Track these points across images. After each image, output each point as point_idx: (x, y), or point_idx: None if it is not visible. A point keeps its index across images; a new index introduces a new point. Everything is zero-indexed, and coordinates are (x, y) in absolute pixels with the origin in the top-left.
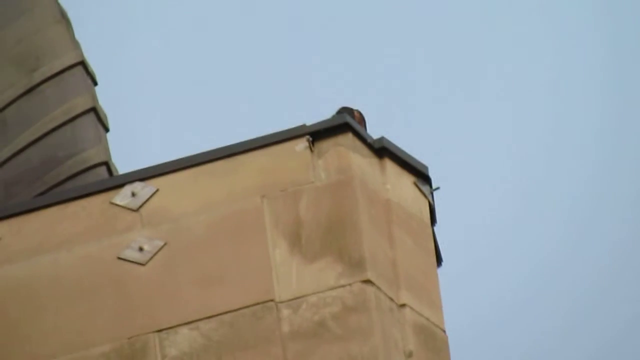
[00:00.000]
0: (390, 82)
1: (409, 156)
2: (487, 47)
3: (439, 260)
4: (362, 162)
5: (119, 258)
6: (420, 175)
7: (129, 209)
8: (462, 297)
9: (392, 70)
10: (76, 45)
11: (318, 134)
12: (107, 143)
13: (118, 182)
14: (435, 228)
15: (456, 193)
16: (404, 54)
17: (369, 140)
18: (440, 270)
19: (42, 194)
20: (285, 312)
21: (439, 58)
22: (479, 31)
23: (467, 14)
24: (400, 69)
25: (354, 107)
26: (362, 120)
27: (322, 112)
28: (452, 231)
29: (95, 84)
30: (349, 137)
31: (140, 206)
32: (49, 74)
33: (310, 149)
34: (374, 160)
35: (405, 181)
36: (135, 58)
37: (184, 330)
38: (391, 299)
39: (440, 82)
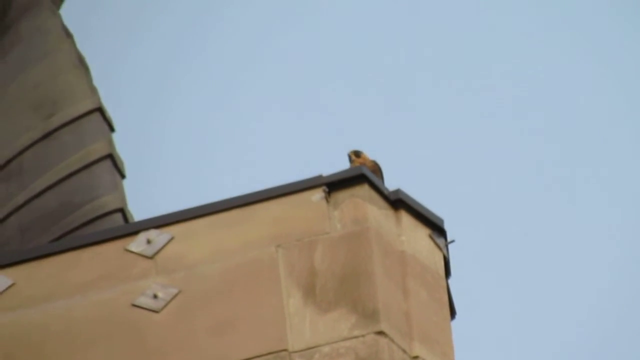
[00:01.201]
0: (409, 132)
1: (425, 208)
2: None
3: (452, 312)
4: (377, 213)
5: (134, 305)
6: (436, 227)
7: (144, 256)
8: (476, 350)
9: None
10: (94, 91)
11: (334, 185)
12: (123, 190)
13: (133, 229)
14: (449, 281)
15: (472, 245)
16: (422, 103)
17: (385, 192)
18: (453, 323)
19: (57, 239)
20: None
21: (456, 108)
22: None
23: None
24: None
25: (371, 157)
26: (378, 170)
27: (337, 162)
28: (467, 284)
29: (113, 130)
30: (365, 189)
31: (155, 253)
32: (66, 120)
33: (327, 199)
34: (389, 212)
35: (420, 233)
36: (154, 106)
37: None
38: (404, 351)
39: (458, 135)
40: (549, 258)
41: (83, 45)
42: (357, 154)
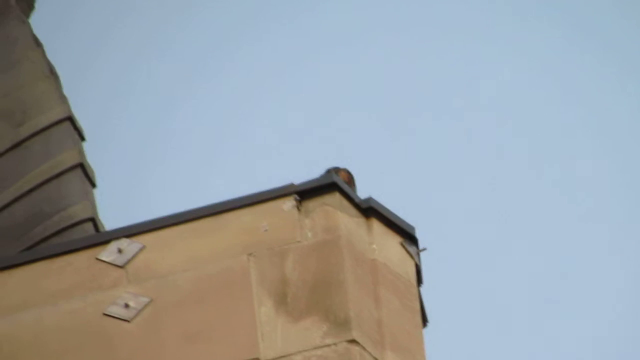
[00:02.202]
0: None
1: (396, 216)
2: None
3: (424, 320)
4: (349, 221)
5: (105, 314)
6: (407, 235)
7: (115, 265)
8: (448, 358)
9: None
10: (64, 100)
11: (305, 193)
12: (94, 199)
13: (104, 239)
14: (421, 288)
15: (444, 254)
16: (394, 111)
17: (356, 200)
18: (425, 331)
19: (27, 249)
20: None
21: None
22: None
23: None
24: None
25: (343, 167)
26: (350, 180)
27: (310, 171)
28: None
29: (83, 139)
30: (336, 197)
31: (127, 263)
32: (36, 129)
33: (298, 208)
34: (361, 220)
35: (391, 241)
36: (123, 114)
37: None
38: (376, 359)
39: (430, 143)
40: (521, 265)
41: (52, 53)
42: (336, 170)
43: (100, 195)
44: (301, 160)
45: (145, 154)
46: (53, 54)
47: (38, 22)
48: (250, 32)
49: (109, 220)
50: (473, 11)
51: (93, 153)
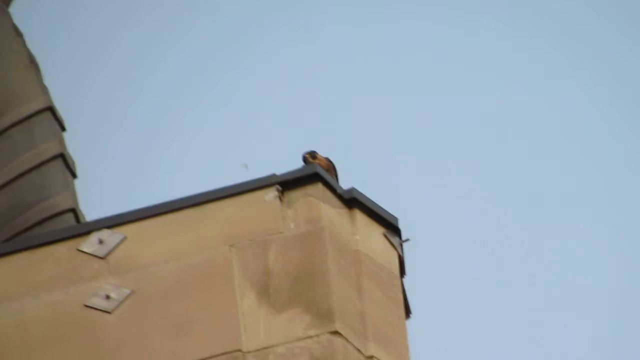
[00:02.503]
0: (364, 129)
1: (379, 207)
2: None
3: (407, 312)
4: (331, 212)
5: (86, 306)
6: (390, 226)
7: (96, 256)
8: (431, 350)
9: (366, 118)
10: (45, 90)
11: (288, 184)
12: (74, 189)
13: (85, 229)
14: (404, 280)
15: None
16: (377, 103)
17: (339, 191)
18: (409, 323)
19: (8, 240)
20: None
21: (414, 108)
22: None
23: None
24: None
25: (325, 154)
26: (332, 169)
27: (292, 160)
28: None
29: (64, 129)
30: (318, 188)
31: (108, 254)
32: (16, 119)
33: (280, 198)
34: (343, 211)
35: (374, 232)
36: (104, 103)
37: None
38: (359, 351)
39: (415, 132)
40: (505, 256)
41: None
42: (312, 155)
43: (81, 185)
44: (283, 150)
45: (128, 144)
46: (33, 45)
47: (16, 10)
48: (249, 33)
49: (90, 211)
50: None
51: (73, 143)
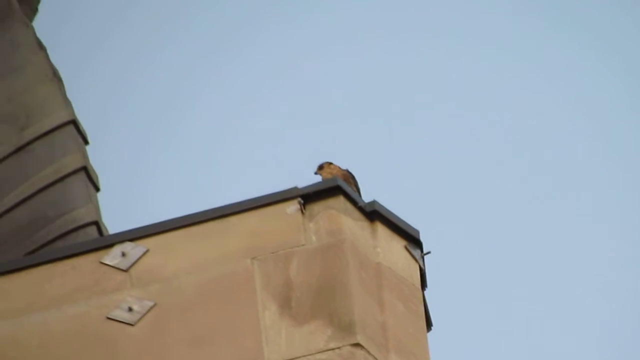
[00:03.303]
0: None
1: (401, 220)
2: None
3: (429, 324)
4: (353, 225)
5: (108, 318)
6: (412, 239)
7: (118, 269)
8: None
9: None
10: (67, 103)
11: (309, 197)
12: (97, 202)
13: (108, 242)
14: (425, 292)
15: (448, 257)
16: (399, 114)
17: (360, 204)
18: (430, 335)
19: (31, 252)
20: None
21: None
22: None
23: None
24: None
25: (344, 167)
26: (350, 180)
27: (312, 174)
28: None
29: (87, 143)
30: (340, 200)
31: (130, 266)
32: (39, 133)
33: (302, 211)
34: (365, 223)
35: (396, 245)
36: (126, 117)
37: None
38: None
39: (434, 144)
40: (526, 269)
41: (53, 56)
42: (328, 164)
43: (103, 198)
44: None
45: (149, 156)
46: (54, 57)
47: (39, 24)
48: (250, 32)
49: (113, 224)
50: (471, 12)
51: (96, 156)
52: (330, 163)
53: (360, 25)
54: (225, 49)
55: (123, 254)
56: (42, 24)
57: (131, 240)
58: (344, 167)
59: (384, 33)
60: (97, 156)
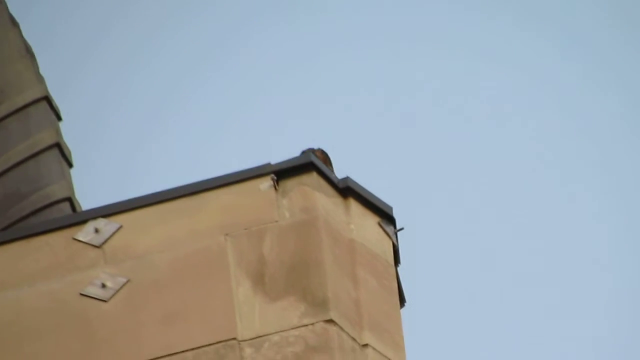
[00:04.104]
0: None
1: (374, 196)
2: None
3: (402, 301)
4: (326, 201)
5: (82, 294)
6: (385, 215)
7: (92, 245)
8: (426, 338)
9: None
10: (41, 80)
11: (283, 173)
12: (70, 179)
13: (81, 219)
14: (398, 268)
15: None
16: (373, 94)
17: (333, 180)
18: (403, 311)
19: (4, 229)
20: (248, 350)
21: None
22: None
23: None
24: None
25: (320, 146)
26: (326, 160)
27: (288, 151)
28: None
29: (60, 119)
30: (313, 177)
31: (104, 243)
32: (12, 109)
33: (275, 187)
34: (338, 200)
35: (369, 221)
36: (100, 93)
37: None
38: (354, 339)
39: (409, 122)
40: (500, 244)
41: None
42: (312, 151)
43: (77, 175)
44: (279, 140)
45: (122, 133)
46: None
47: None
48: (239, 26)
49: (86, 200)
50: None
51: (69, 133)
52: (313, 150)
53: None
54: (176, 23)
55: (96, 231)
56: (18, 2)
57: (104, 216)
58: (316, 147)
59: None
60: (69, 132)
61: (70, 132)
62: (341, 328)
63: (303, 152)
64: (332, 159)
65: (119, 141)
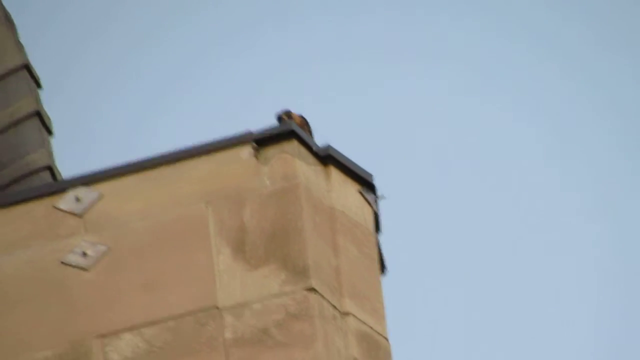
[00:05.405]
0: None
1: (354, 164)
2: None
3: (383, 269)
4: (307, 169)
5: (63, 263)
6: (365, 183)
7: (72, 213)
8: (406, 306)
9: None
10: (20, 48)
11: (263, 141)
12: (51, 147)
13: (62, 187)
14: (379, 236)
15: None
16: (354, 62)
17: (314, 148)
18: (384, 279)
19: None
20: (229, 318)
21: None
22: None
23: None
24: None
25: (300, 114)
26: (305, 126)
27: (268, 117)
28: (397, 240)
29: (40, 87)
30: (294, 145)
31: (84, 211)
32: None
33: (256, 155)
34: (319, 167)
35: (350, 189)
36: (83, 63)
37: (127, 335)
38: (334, 307)
39: (389, 90)
40: (480, 212)
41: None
42: (288, 114)
43: (57, 143)
44: (259, 107)
45: (103, 100)
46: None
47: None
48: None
49: (66, 169)
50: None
51: (49, 101)
52: (289, 112)
53: None
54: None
55: (77, 199)
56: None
57: (85, 184)
58: (297, 113)
59: None
60: (50, 100)
61: (50, 100)
62: (322, 296)
63: (279, 116)
64: (312, 126)
65: (99, 107)
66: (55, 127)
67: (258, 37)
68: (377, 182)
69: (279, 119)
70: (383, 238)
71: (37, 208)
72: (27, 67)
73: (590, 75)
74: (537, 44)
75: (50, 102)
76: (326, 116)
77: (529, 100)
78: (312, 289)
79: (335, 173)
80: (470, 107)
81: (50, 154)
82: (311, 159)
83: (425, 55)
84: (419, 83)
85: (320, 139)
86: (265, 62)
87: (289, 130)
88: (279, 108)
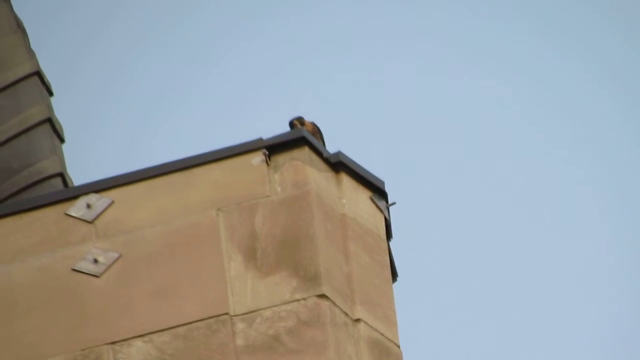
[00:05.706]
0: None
1: (366, 171)
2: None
3: (394, 275)
4: (318, 176)
5: (74, 270)
6: (377, 190)
7: (84, 220)
8: (418, 313)
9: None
10: (32, 55)
11: (274, 148)
12: (62, 154)
13: (73, 194)
14: (390, 243)
15: (413, 208)
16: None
17: (325, 155)
18: (395, 286)
19: None
20: (240, 325)
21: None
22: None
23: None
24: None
25: (310, 120)
26: (317, 133)
27: (280, 125)
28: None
29: (51, 94)
30: (305, 152)
31: (95, 218)
32: (4, 84)
33: (267, 162)
34: (330, 174)
35: (361, 196)
36: (92, 69)
37: (138, 342)
38: (346, 314)
39: (400, 97)
40: (491, 219)
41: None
42: (300, 121)
43: (68, 150)
44: (270, 114)
45: (114, 108)
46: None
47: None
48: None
49: (78, 176)
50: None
51: (61, 108)
52: (302, 119)
53: None
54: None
55: (88, 206)
56: None
57: (96, 191)
58: (309, 120)
59: None
60: (61, 108)
61: (62, 107)
62: (333, 303)
63: (291, 122)
64: (324, 133)
65: (110, 114)
66: (66, 134)
67: (261, 34)
68: (388, 189)
69: (291, 125)
70: (394, 244)
71: (49, 215)
72: (39, 74)
73: (608, 70)
74: (550, 47)
75: (58, 109)
76: (337, 122)
77: (538, 100)
78: (323, 296)
79: (346, 180)
80: (485, 115)
81: (61, 161)
82: (322, 165)
83: (440, 58)
84: (431, 89)
85: (331, 146)
86: (268, 61)
87: (300, 137)
88: (285, 104)
